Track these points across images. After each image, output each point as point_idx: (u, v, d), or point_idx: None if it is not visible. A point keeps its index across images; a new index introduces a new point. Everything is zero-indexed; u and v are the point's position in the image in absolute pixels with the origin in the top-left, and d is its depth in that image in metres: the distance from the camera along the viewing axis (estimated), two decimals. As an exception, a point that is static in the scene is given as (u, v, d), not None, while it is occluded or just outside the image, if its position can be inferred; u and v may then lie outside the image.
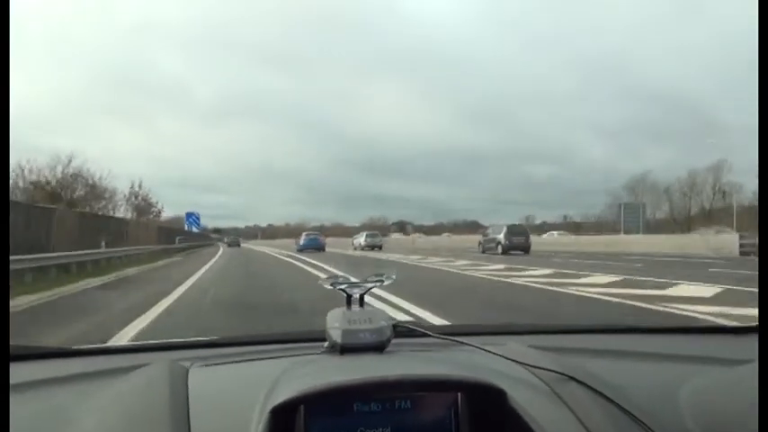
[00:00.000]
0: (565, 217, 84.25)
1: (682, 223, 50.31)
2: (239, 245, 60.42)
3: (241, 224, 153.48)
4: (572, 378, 0.92)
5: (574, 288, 9.83)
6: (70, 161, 35.40)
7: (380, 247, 37.48)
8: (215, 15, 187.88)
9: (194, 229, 56.94)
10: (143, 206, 47.99)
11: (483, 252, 28.01)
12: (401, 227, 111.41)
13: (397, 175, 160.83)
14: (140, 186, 49.80)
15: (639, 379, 1.02)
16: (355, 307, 1.03)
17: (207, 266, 18.52)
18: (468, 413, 0.82)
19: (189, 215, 57.84)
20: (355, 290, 1.05)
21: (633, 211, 48.50)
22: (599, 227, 60.58)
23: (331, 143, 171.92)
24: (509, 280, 11.93)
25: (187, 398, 0.85)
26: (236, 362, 1.07)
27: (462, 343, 1.10)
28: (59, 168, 34.09)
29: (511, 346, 1.08)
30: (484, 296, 9.65)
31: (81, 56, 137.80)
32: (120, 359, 1.16)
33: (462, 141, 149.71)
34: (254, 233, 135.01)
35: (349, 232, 66.54)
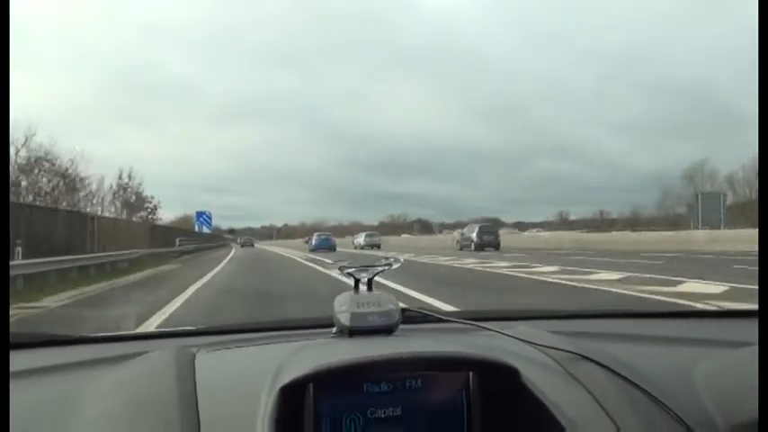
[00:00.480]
0: (601, 212, 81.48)
1: (748, 215, 43.07)
2: (253, 245, 61.83)
3: (256, 224, 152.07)
4: (586, 358, 0.91)
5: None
6: (27, 140, 27.89)
7: (379, 246, 40.49)
8: (224, 16, 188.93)
9: (205, 230, 51.84)
10: (134, 201, 40.66)
11: (460, 249, 31.23)
12: (424, 225, 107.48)
13: (412, 174, 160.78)
14: (130, 177, 42.43)
15: (653, 361, 1.01)
16: (363, 291, 1.00)
17: (201, 282, 12.77)
18: (480, 392, 0.82)
19: (199, 214, 52.16)
20: (363, 274, 1.02)
21: (712, 201, 41.98)
22: (650, 222, 56.17)
23: (343, 142, 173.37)
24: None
25: (194, 382, 0.84)
26: (243, 347, 1.06)
27: (473, 326, 1.08)
28: (13, 149, 26.96)
29: (523, 329, 1.05)
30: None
31: (90, 59, 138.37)
32: (124, 346, 1.14)
33: (477, 138, 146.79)
34: (269, 233, 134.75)
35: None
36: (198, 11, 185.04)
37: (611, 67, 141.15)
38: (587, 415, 0.79)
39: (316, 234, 42.25)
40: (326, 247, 36.57)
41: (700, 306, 5.67)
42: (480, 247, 30.18)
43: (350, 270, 1.03)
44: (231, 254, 32.21)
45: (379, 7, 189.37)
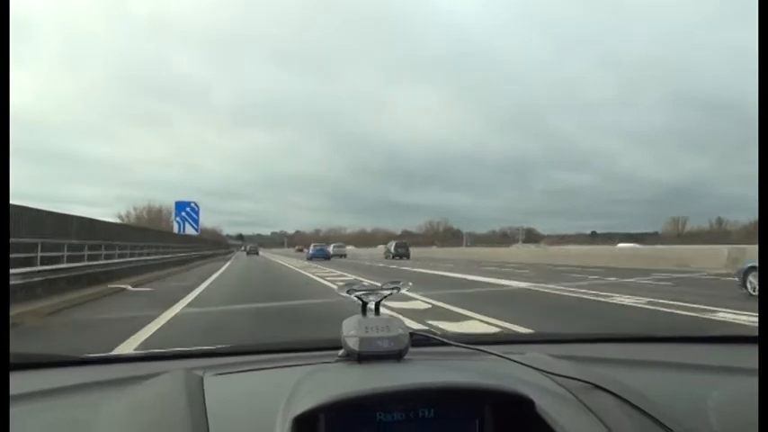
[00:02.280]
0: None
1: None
2: (257, 253, 61.81)
3: (267, 231, 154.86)
4: (598, 387, 0.91)
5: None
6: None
7: (407, 256, 42.72)
8: (236, 14, 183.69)
9: (190, 230, 37.61)
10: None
11: (386, 258, 42.66)
12: (454, 234, 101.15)
13: (426, 183, 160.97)
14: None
15: (665, 388, 1.00)
16: (371, 314, 1.00)
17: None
18: (494, 423, 0.81)
19: (180, 206, 38.08)
20: (371, 297, 1.03)
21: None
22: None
23: (357, 149, 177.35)
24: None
25: (205, 407, 0.84)
26: (251, 370, 1.06)
27: (482, 351, 1.07)
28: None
29: (532, 354, 1.05)
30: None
31: (96, 56, 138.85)
32: (131, 368, 1.14)
33: (492, 148, 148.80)
34: (279, 240, 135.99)
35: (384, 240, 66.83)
36: (210, 8, 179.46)
37: (634, 77, 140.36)
38: None
39: (312, 245, 45.59)
40: (322, 256, 39.53)
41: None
42: (395, 256, 41.39)
43: (358, 293, 1.02)
44: (220, 271, 21.99)
45: (396, 11, 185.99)
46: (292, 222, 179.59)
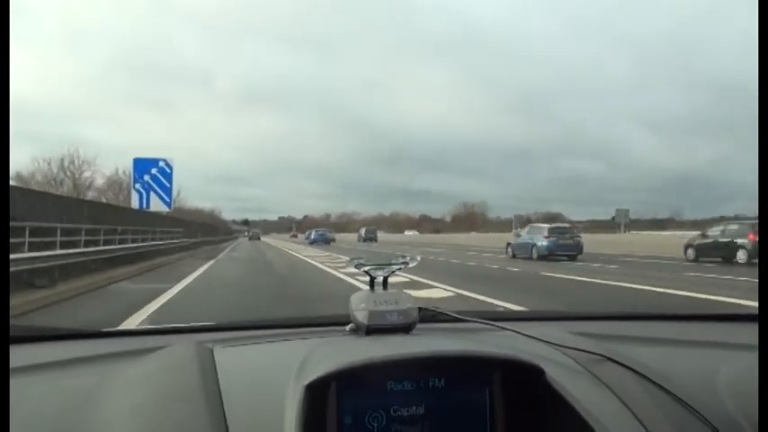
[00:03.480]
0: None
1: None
2: (259, 238, 64.18)
3: (274, 216, 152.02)
4: (610, 359, 0.90)
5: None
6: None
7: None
8: None
9: (160, 206, 25.19)
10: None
11: (358, 241, 50.06)
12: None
13: (434, 168, 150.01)
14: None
15: (677, 364, 1.00)
16: (379, 289, 0.99)
17: None
18: (504, 392, 0.81)
19: (142, 167, 25.24)
20: (379, 272, 1.01)
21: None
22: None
23: (362, 134, 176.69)
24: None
25: (216, 376, 0.84)
26: (260, 343, 1.06)
27: (492, 326, 1.05)
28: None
29: (543, 329, 1.04)
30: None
31: (95, 37, 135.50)
32: (141, 341, 1.14)
33: (501, 134, 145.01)
34: (287, 225, 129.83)
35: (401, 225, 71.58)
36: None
37: (648, 58, 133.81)
38: (615, 417, 0.78)
39: (314, 230, 50.18)
40: (323, 241, 43.16)
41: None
42: (365, 240, 49.56)
43: (366, 268, 1.01)
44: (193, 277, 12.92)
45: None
46: (300, 208, 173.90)
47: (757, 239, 15.81)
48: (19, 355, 0.92)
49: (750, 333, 1.04)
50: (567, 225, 24.26)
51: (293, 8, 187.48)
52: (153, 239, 20.64)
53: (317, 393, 0.72)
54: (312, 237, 45.40)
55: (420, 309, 0.98)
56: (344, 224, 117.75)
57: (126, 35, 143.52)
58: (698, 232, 20.53)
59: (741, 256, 17.02)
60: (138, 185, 25.26)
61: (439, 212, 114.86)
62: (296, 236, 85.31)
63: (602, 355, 0.90)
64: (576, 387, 0.80)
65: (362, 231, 53.52)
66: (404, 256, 1.07)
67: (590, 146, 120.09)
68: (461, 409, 0.80)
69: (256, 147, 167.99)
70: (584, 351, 0.92)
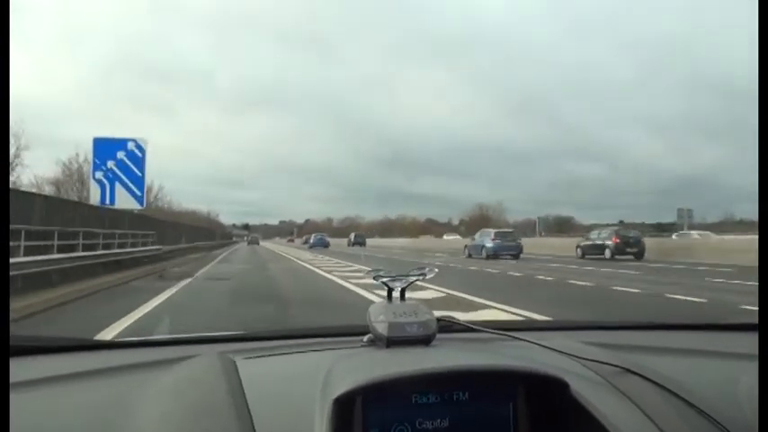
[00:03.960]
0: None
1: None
2: (258, 243, 66.45)
3: (275, 221, 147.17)
4: (630, 371, 0.90)
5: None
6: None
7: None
8: None
9: (130, 203, 18.94)
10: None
11: (348, 245, 50.14)
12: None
13: (434, 172, 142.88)
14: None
15: (695, 374, 1.00)
16: (396, 301, 1.01)
17: None
18: (528, 405, 0.82)
19: (103, 149, 18.94)
20: (397, 283, 1.03)
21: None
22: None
23: (363, 136, 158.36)
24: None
25: (241, 387, 0.85)
26: (282, 354, 1.07)
27: (509, 336, 1.06)
28: None
29: (562, 340, 1.04)
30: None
31: (94, 38, 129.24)
32: (159, 352, 1.13)
33: (504, 136, 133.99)
34: (289, 229, 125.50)
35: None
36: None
37: (651, 61, 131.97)
38: (639, 428, 0.78)
39: (313, 235, 54.00)
40: (321, 245, 46.35)
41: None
42: (354, 244, 50.44)
43: (384, 279, 1.02)
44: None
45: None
46: (302, 212, 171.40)
47: (618, 241, 22.47)
48: (37, 366, 0.94)
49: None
50: (511, 230, 29.25)
51: (294, 8, 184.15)
52: (109, 246, 14.95)
53: (344, 407, 0.73)
54: (312, 241, 49.49)
55: (438, 319, 0.99)
56: (346, 228, 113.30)
57: (125, 35, 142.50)
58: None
59: (607, 253, 22.65)
60: (98, 174, 18.96)
61: (445, 216, 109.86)
62: (292, 240, 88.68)
63: (623, 368, 0.91)
64: (599, 400, 0.81)
65: (352, 236, 56.63)
66: (421, 268, 1.08)
67: (594, 148, 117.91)
68: (486, 422, 0.80)
69: (257, 149, 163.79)
70: (604, 363, 0.92)
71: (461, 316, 1.31)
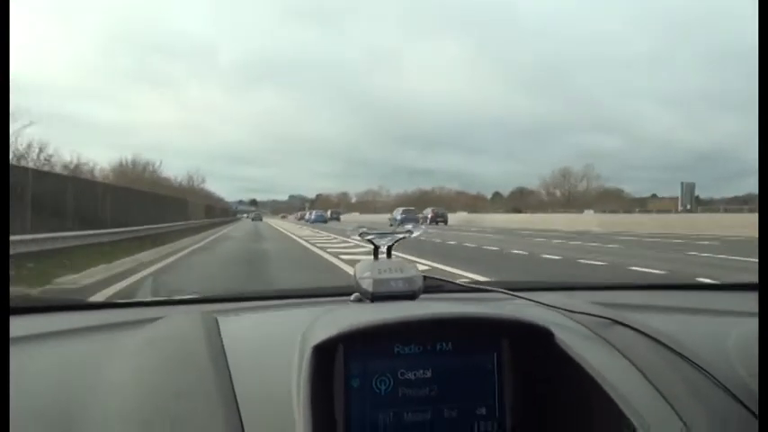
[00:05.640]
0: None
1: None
2: (261, 219, 66.24)
3: (283, 196, 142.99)
4: (618, 322, 0.89)
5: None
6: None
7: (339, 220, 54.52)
8: None
9: None
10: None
11: (298, 220, 60.48)
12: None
13: (445, 146, 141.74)
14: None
15: (688, 329, 0.98)
16: (383, 258, 0.98)
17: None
18: (512, 356, 0.80)
19: None
20: (383, 240, 1.00)
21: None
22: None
23: (371, 110, 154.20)
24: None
25: (221, 342, 0.84)
26: (265, 311, 1.08)
27: (497, 292, 1.07)
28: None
29: (552, 297, 1.03)
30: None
31: (99, 17, 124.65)
32: (142, 311, 1.12)
33: (516, 109, 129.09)
34: (299, 205, 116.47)
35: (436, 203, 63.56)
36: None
37: (670, 29, 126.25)
38: (626, 378, 0.77)
39: (314, 211, 58.29)
40: (321, 221, 49.29)
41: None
42: (330, 219, 54.03)
43: (370, 236, 1.01)
44: None
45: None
46: (312, 188, 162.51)
47: (433, 215, 39.92)
48: (17, 326, 0.92)
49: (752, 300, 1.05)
50: (413, 208, 45.61)
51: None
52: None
53: (324, 356, 0.72)
54: (313, 218, 51.71)
55: (425, 278, 0.97)
56: (368, 204, 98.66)
57: (125, 8, 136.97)
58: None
59: (427, 221, 36.79)
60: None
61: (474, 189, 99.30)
62: (285, 217, 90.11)
63: (612, 319, 0.90)
64: (585, 350, 0.79)
65: (328, 212, 58.51)
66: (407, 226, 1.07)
67: (608, 123, 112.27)
68: (469, 373, 0.79)
69: (263, 125, 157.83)
70: (592, 315, 0.91)
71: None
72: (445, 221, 40.64)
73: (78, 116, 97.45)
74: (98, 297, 6.13)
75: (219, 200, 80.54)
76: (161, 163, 55.21)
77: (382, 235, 1.01)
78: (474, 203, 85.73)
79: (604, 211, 51.43)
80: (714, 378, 0.76)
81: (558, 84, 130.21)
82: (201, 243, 17.59)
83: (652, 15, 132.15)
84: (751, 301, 1.01)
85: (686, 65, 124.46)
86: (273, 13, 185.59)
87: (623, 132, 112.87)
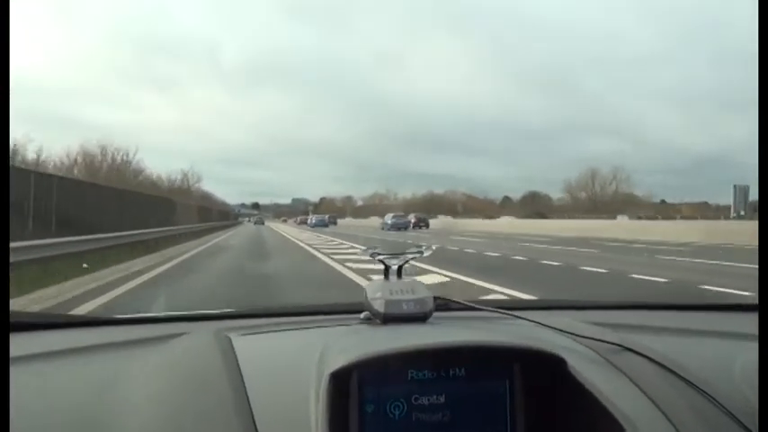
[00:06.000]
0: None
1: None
2: (263, 223, 69.28)
3: (286, 199, 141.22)
4: (627, 348, 0.89)
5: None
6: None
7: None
8: None
9: None
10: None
11: (298, 224, 61.63)
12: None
13: (449, 149, 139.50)
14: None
15: (693, 353, 0.99)
16: (393, 278, 1.00)
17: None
18: (524, 382, 0.81)
19: None
20: (394, 261, 1.02)
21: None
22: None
23: (374, 112, 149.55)
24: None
25: (237, 363, 0.85)
26: (278, 331, 1.07)
27: (506, 315, 1.05)
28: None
29: (561, 319, 1.03)
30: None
31: (98, 17, 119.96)
32: (156, 328, 1.12)
33: (520, 111, 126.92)
34: (303, 209, 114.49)
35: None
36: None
37: (680, 29, 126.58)
38: (636, 406, 0.77)
39: (315, 216, 60.15)
40: (322, 225, 50.78)
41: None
42: (313, 226, 51.42)
43: (381, 257, 1.01)
44: None
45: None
46: (315, 191, 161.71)
47: (415, 220, 41.99)
48: (35, 342, 0.94)
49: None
50: (402, 213, 46.76)
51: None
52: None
53: (340, 382, 0.73)
54: (314, 222, 53.13)
55: (435, 298, 0.98)
56: (374, 207, 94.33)
57: (124, 11, 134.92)
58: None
59: (411, 225, 39.97)
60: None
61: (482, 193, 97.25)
62: (285, 221, 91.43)
63: (620, 345, 0.89)
64: (596, 377, 0.80)
65: (325, 217, 59.12)
66: (418, 245, 1.07)
67: (614, 124, 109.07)
68: (482, 398, 0.80)
69: (266, 127, 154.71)
70: (601, 341, 0.91)
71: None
72: (427, 226, 43.14)
73: (76, 117, 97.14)
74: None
75: (223, 203, 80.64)
76: (136, 150, 49.03)
77: (393, 255, 1.01)
78: (483, 208, 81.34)
79: (640, 217, 46.89)
80: (722, 407, 0.77)
81: (564, 85, 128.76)
82: (167, 266, 11.73)
83: (659, 12, 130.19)
84: (753, 322, 0.96)
85: (696, 65, 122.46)
86: (277, 12, 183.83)
87: (629, 135, 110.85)
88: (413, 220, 42.57)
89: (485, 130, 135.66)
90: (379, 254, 1.02)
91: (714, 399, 0.78)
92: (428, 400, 0.77)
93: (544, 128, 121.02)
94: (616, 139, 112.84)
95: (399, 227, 39.40)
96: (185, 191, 56.75)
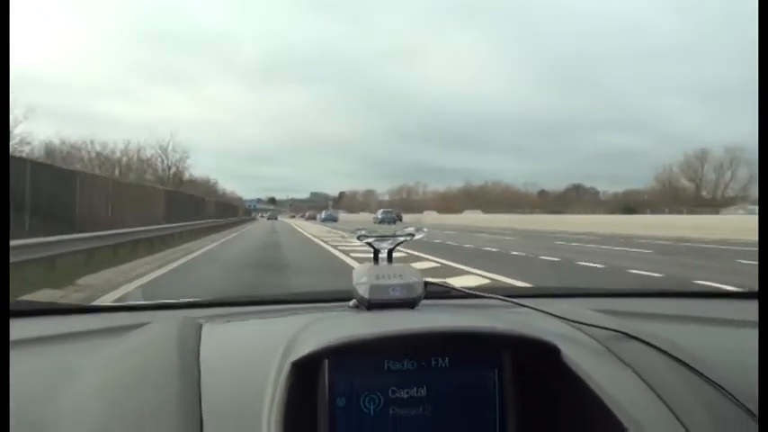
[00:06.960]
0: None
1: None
2: (276, 218, 71.31)
3: (304, 194, 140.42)
4: (628, 335, 0.83)
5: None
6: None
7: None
8: None
9: None
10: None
11: (306, 219, 68.24)
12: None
13: (464, 145, 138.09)
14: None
15: (704, 342, 0.93)
16: (383, 263, 0.93)
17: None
18: (515, 373, 0.75)
19: None
20: (383, 244, 0.94)
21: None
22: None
23: (392, 108, 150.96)
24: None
25: (198, 354, 0.79)
26: (254, 318, 1.02)
27: (503, 301, 1.00)
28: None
29: (558, 305, 0.97)
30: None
31: (115, 11, 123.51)
32: (128, 317, 1.09)
33: (538, 106, 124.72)
34: (322, 204, 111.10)
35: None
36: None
37: (704, 20, 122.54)
38: (637, 398, 0.72)
39: (324, 211, 63.69)
40: (332, 219, 53.10)
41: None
42: (323, 220, 55.54)
43: (369, 240, 0.95)
44: None
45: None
46: (334, 186, 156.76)
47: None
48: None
49: None
50: (391, 210, 55.46)
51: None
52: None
53: (306, 372, 0.67)
54: (323, 217, 57.29)
55: (426, 283, 0.91)
56: (400, 201, 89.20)
57: (141, 5, 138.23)
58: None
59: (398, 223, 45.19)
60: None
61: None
62: (294, 216, 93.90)
63: (624, 333, 0.83)
64: (594, 367, 0.74)
65: (323, 214, 60.46)
66: (409, 229, 1.02)
67: (636, 119, 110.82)
68: (468, 391, 0.74)
69: (284, 122, 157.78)
70: (603, 328, 0.85)
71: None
72: (400, 219, 50.58)
73: (96, 113, 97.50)
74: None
75: (238, 198, 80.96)
76: (127, 144, 48.25)
77: (383, 238, 0.95)
78: (521, 202, 75.64)
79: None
80: (734, 398, 0.72)
81: (585, 79, 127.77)
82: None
83: (678, 5, 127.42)
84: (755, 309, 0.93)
85: (721, 57, 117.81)
86: (295, 8, 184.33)
87: (650, 129, 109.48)
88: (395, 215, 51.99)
89: (500, 125, 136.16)
90: (367, 236, 0.95)
91: (726, 390, 0.72)
92: (407, 392, 0.71)
93: (562, 123, 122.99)
94: (636, 134, 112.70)
95: (387, 220, 45.97)
96: (211, 188, 59.31)
